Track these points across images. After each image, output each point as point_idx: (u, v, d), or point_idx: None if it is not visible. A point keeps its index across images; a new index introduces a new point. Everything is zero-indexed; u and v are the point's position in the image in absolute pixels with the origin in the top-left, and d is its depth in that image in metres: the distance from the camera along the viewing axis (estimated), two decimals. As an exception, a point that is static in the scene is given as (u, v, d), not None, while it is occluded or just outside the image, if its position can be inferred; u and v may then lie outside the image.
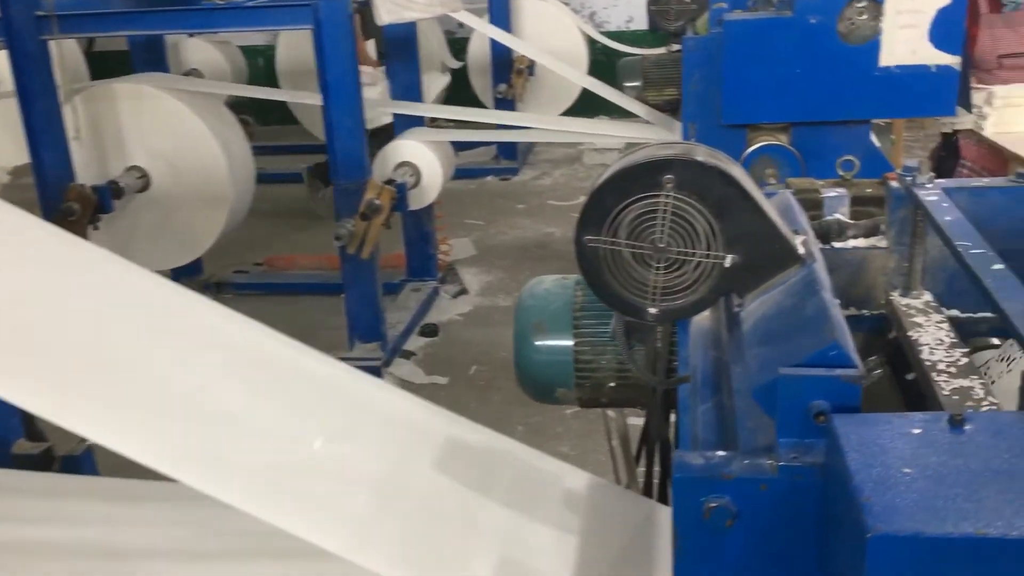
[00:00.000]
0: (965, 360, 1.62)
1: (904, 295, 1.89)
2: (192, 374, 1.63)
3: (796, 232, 1.58)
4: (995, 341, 1.92)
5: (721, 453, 1.21)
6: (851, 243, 1.93)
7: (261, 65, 10.88)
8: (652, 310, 1.53)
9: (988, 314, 1.95)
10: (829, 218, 1.97)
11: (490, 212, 8.54)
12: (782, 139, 4.38)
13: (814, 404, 1.16)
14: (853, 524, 0.96)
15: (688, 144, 1.51)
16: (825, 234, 1.94)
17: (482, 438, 1.94)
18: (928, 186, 1.81)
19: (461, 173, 9.36)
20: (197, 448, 1.49)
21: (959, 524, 0.90)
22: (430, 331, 5.91)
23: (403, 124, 5.69)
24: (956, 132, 5.23)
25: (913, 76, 4.01)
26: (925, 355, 1.64)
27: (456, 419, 1.97)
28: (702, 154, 1.48)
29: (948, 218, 1.62)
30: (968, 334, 1.97)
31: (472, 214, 8.46)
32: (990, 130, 4.83)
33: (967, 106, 4.74)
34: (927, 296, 1.89)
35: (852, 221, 1.96)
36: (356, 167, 4.96)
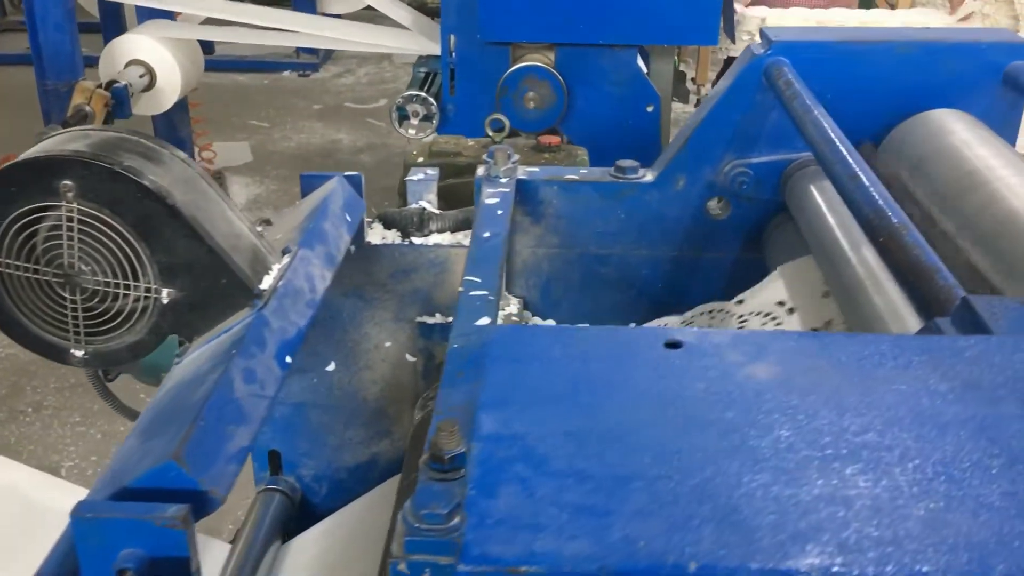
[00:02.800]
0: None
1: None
2: None
3: (285, 252, 1.24)
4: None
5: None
6: (434, 238, 1.62)
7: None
8: (77, 352, 1.17)
9: (586, 326, 1.70)
10: (413, 206, 1.65)
11: (280, 112, 7.91)
12: (548, 59, 4.06)
13: (120, 556, 0.84)
14: None
15: (116, 134, 1.13)
16: (404, 227, 1.62)
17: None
18: (502, 180, 1.50)
19: (255, 66, 8.66)
20: None
21: None
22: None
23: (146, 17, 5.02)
24: (732, 59, 5.03)
25: (675, 2, 3.79)
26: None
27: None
28: (127, 150, 1.11)
29: (486, 234, 1.31)
30: (565, 348, 1.72)
31: (259, 114, 7.83)
32: (761, 60, 4.63)
33: (731, 35, 4.53)
34: (512, 307, 1.61)
35: (439, 212, 1.64)
36: (66, 65, 4.34)
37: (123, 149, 1.11)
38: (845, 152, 1.10)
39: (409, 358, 1.69)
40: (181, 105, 5.47)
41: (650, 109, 4.18)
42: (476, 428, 0.57)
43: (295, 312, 1.18)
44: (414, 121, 4.25)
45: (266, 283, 1.17)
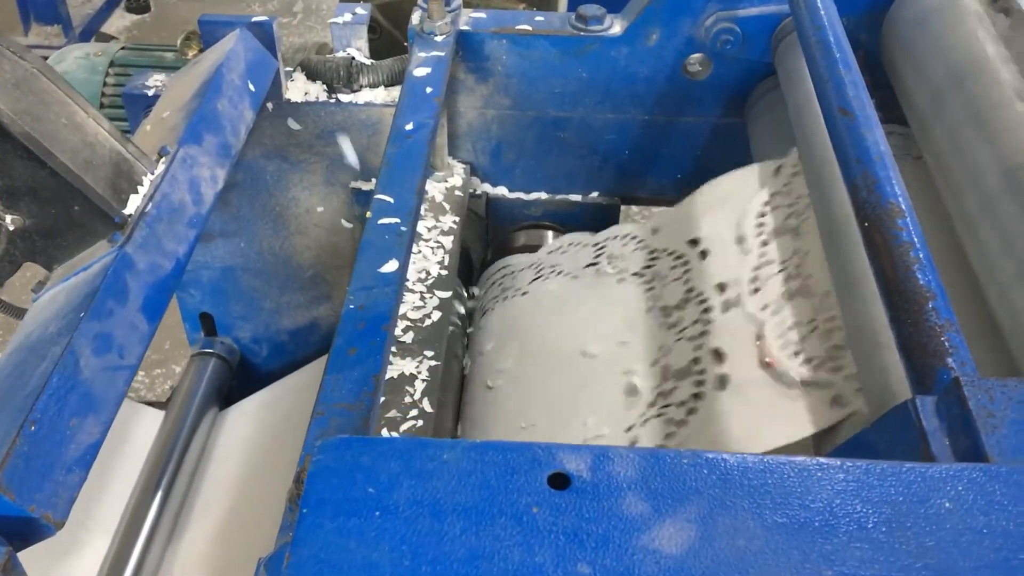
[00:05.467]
0: (437, 315, 1.19)
1: (428, 175, 1.39)
2: None
3: (163, 154, 1.03)
4: (549, 238, 1.49)
5: None
6: (364, 95, 1.38)
7: None
8: (-77, 281, 1.00)
9: (542, 194, 1.51)
10: (340, 55, 1.39)
11: None
12: None
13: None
14: None
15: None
16: (330, 80, 1.38)
17: None
18: (437, 39, 1.25)
19: None
20: None
21: None
22: (139, 7, 5.01)
23: None
24: None
25: None
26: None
27: None
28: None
29: (409, 124, 1.09)
30: (519, 218, 1.53)
31: None
32: None
33: None
34: (456, 177, 1.40)
35: (370, 62, 1.39)
36: None
37: (-71, 48, 0.88)
38: (841, 67, 0.86)
39: (345, 224, 1.51)
40: None
41: None
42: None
43: (172, 238, 0.99)
44: None
45: (133, 204, 0.97)
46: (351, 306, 0.89)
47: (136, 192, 0.98)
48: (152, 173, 1.01)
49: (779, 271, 1.01)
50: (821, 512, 0.49)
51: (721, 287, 1.09)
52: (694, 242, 1.15)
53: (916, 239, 0.70)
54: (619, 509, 0.49)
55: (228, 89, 1.17)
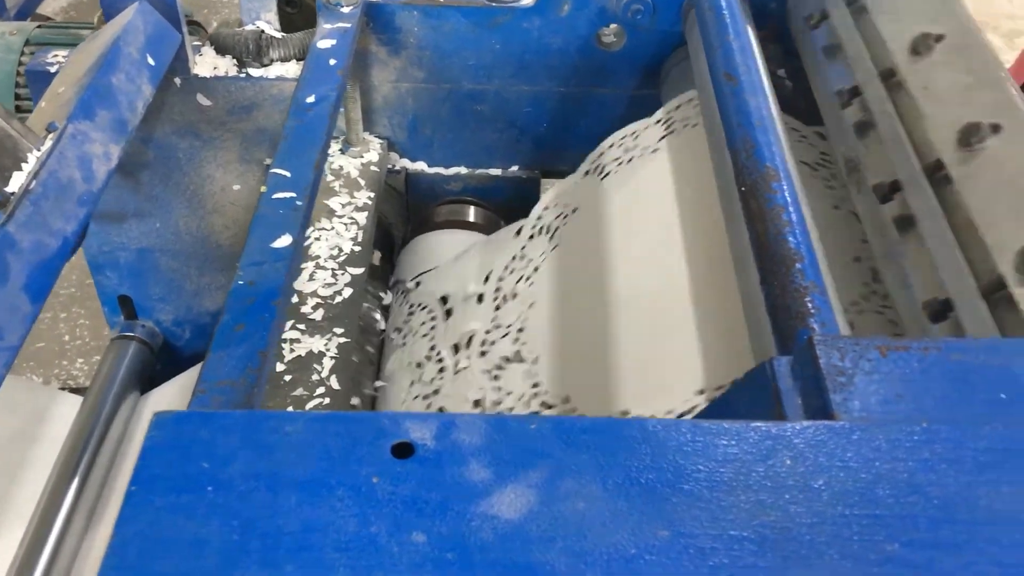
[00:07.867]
0: (348, 292, 1.17)
1: (344, 150, 1.37)
2: None
3: (51, 130, 1.00)
4: (471, 213, 1.48)
5: None
6: (275, 69, 1.35)
7: None
8: None
9: (462, 169, 1.50)
10: (248, 28, 1.36)
11: None
12: None
13: None
14: None
15: None
16: (239, 55, 1.35)
17: None
18: (343, 10, 1.22)
19: None
20: None
21: None
22: (76, -13, 4.88)
23: None
24: None
25: None
26: (301, 283, 1.18)
27: None
28: None
29: (310, 98, 1.07)
30: (439, 193, 1.51)
31: None
32: None
33: None
34: (373, 152, 1.38)
35: (280, 35, 1.36)
36: None
37: None
38: (730, 33, 0.85)
39: (262, 202, 1.49)
40: None
41: None
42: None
43: (59, 216, 0.96)
44: None
45: (16, 182, 0.94)
46: (240, 282, 0.87)
47: (20, 169, 0.96)
48: (38, 150, 0.98)
49: (503, 335, 1.06)
50: (664, 472, 0.49)
51: (456, 348, 1.13)
52: (444, 299, 1.20)
53: (790, 202, 0.70)
54: (460, 476, 0.48)
55: (125, 63, 1.14)
